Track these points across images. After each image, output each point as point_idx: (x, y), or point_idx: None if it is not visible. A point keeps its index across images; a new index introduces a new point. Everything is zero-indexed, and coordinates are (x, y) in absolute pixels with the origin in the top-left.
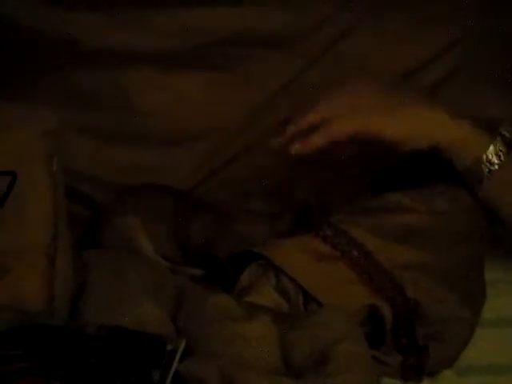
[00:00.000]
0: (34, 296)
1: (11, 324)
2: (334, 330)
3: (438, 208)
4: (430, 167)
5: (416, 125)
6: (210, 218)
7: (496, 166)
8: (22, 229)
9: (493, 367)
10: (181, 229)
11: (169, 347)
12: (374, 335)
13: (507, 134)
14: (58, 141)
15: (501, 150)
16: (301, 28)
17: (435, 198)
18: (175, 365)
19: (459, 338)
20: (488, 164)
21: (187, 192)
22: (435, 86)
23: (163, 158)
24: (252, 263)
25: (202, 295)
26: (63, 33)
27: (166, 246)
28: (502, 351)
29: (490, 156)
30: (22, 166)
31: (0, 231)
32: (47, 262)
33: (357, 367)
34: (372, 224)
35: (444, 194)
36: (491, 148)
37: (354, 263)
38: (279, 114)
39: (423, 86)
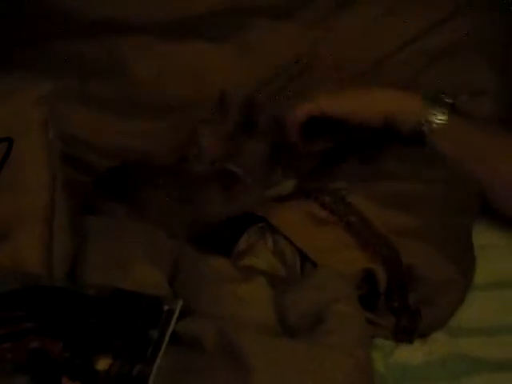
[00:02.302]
0: (33, 260)
1: (14, 286)
2: (328, 292)
3: (434, 177)
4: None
5: (360, 100)
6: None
7: (435, 125)
8: (20, 194)
9: (483, 329)
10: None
11: (166, 307)
12: (368, 298)
13: (448, 100)
14: (54, 107)
15: (443, 113)
16: None
17: (431, 167)
18: (173, 324)
19: (451, 300)
20: (428, 124)
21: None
22: (435, 55)
23: (159, 126)
24: (251, 226)
25: (197, 258)
26: (61, 2)
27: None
28: (493, 313)
29: (430, 117)
30: (17, 133)
31: None
32: (45, 226)
33: (350, 327)
34: (369, 191)
35: (439, 163)
36: (430, 111)
37: (352, 228)
38: (277, 83)
39: (424, 54)
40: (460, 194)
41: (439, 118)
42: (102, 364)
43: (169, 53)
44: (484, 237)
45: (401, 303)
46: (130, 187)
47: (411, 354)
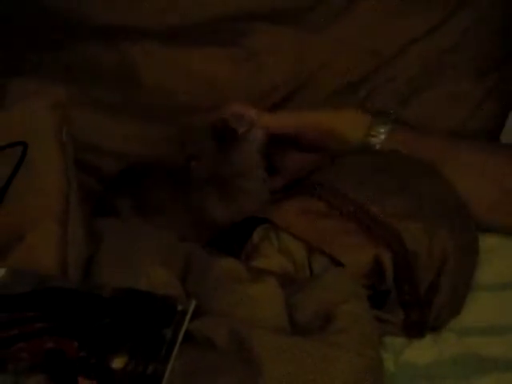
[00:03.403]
0: (48, 261)
1: (29, 287)
2: (337, 292)
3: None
4: None
5: (304, 118)
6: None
7: (382, 136)
8: (35, 197)
9: (491, 328)
10: (196, 208)
11: (179, 307)
12: (377, 296)
13: (391, 112)
14: (68, 111)
15: (385, 123)
16: (306, 1)
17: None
18: (186, 324)
19: (459, 285)
20: (375, 136)
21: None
22: (442, 53)
23: (168, 131)
24: (257, 227)
25: (209, 259)
26: (72, 8)
27: (187, 233)
28: (501, 313)
29: (376, 130)
30: (32, 138)
31: (13, 201)
32: (60, 229)
33: (359, 326)
34: (361, 181)
35: None
36: (376, 124)
37: (352, 217)
38: (287, 88)
39: (431, 54)
40: None
41: (383, 128)
42: (118, 363)
43: (177, 58)
44: (491, 237)
45: (412, 295)
46: (142, 187)
47: (421, 353)
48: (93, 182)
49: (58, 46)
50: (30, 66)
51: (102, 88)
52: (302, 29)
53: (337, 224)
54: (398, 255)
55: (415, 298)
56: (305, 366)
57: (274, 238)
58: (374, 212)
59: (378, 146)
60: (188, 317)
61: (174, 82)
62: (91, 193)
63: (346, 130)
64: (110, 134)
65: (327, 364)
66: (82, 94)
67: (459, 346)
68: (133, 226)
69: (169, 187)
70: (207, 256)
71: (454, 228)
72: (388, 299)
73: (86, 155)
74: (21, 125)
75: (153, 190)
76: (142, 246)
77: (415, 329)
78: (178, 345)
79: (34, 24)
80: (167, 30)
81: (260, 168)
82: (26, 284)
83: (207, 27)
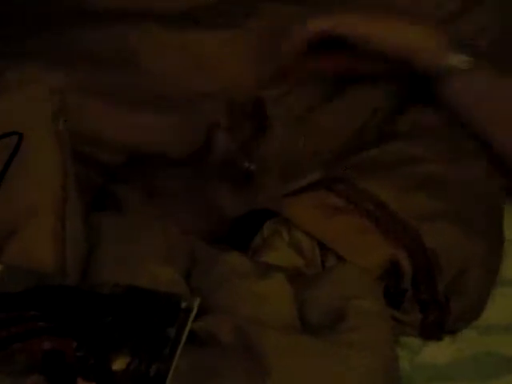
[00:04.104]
0: (46, 257)
1: (26, 285)
2: (350, 288)
3: (453, 156)
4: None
5: (383, 27)
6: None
7: (458, 69)
8: (31, 189)
9: None
10: (210, 201)
11: (183, 305)
12: (393, 294)
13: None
14: (65, 101)
15: (468, 57)
16: None
17: (448, 147)
18: (190, 322)
19: (480, 288)
20: (448, 68)
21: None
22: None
23: (170, 119)
24: (267, 221)
25: (214, 254)
26: None
27: (192, 223)
28: None
29: (452, 61)
30: (28, 127)
31: (7, 194)
32: (57, 223)
33: (372, 324)
34: (384, 175)
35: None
36: (453, 53)
37: (370, 214)
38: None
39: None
40: (483, 171)
41: (464, 60)
42: (119, 363)
43: (180, 43)
44: None
45: (429, 294)
46: (147, 175)
47: (439, 352)
48: (92, 174)
49: (58, 32)
50: (28, 53)
51: (102, 74)
52: (311, 9)
53: (352, 221)
54: (417, 256)
55: (433, 299)
56: (315, 365)
57: (285, 232)
58: (393, 210)
59: (445, 82)
60: (192, 315)
61: (175, 67)
62: (90, 185)
63: (424, 51)
64: (111, 122)
65: (339, 364)
66: (81, 81)
67: (480, 345)
68: (134, 221)
69: (180, 176)
70: (212, 251)
71: (485, 231)
72: (404, 299)
73: (84, 146)
74: (16, 113)
75: (163, 178)
76: (144, 242)
77: (432, 331)
78: (182, 344)
79: (33, 10)
80: (169, 14)
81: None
82: (23, 282)
83: (212, 9)
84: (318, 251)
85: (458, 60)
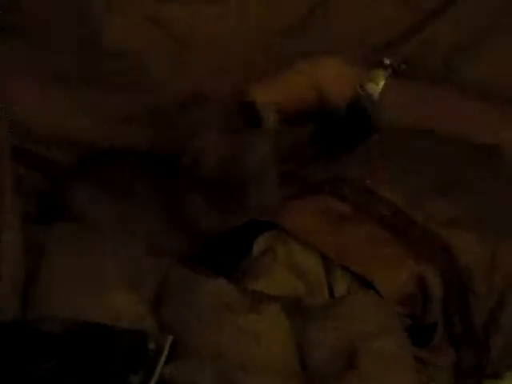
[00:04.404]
0: None
1: None
2: (365, 322)
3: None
4: None
5: (287, 82)
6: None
7: (377, 92)
8: None
9: None
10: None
11: (151, 346)
12: (419, 329)
13: (388, 62)
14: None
15: (383, 76)
16: None
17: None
18: (159, 368)
19: None
20: (369, 92)
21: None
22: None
23: (139, 110)
24: (259, 235)
25: (192, 280)
26: None
27: (163, 237)
28: None
29: (368, 84)
30: None
31: None
32: None
33: (392, 371)
34: (400, 176)
35: None
36: (368, 77)
37: (384, 222)
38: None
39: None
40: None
41: (380, 81)
42: None
43: (152, 14)
44: None
45: (464, 327)
46: (107, 177)
47: None
48: (39, 178)
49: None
50: None
51: (52, 53)
52: None
53: (365, 231)
54: (448, 274)
55: (469, 334)
56: None
57: (281, 250)
58: (414, 217)
59: (375, 97)
60: (163, 358)
61: (146, 44)
62: (36, 191)
63: (337, 86)
64: (62, 113)
65: None
66: (25, 62)
67: None
68: (90, 235)
69: (145, 179)
70: (189, 275)
71: None
72: (434, 334)
73: (29, 143)
74: None
75: (128, 181)
76: (99, 262)
77: (469, 375)
78: None
79: None
80: None
81: (273, 170)
82: None
83: None
84: (322, 271)
85: (375, 80)
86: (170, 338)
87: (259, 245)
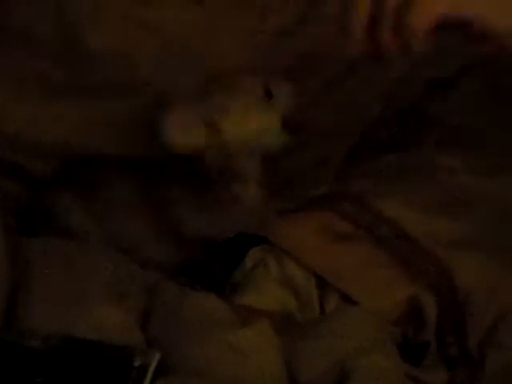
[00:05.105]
0: None
1: None
2: (356, 339)
3: (489, 168)
4: None
5: None
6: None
7: None
8: None
9: None
10: (163, 217)
11: (137, 363)
12: (412, 346)
13: None
14: None
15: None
16: None
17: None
18: None
19: None
20: None
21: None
22: None
23: (128, 115)
24: (251, 249)
25: (180, 295)
26: None
27: (148, 246)
28: None
29: None
30: None
31: None
32: None
33: None
34: (403, 193)
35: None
36: None
37: (384, 243)
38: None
39: None
40: None
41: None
42: None
43: (140, 16)
44: None
45: (458, 348)
46: (88, 184)
47: None
48: (15, 187)
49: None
50: None
51: (35, 60)
52: None
53: (364, 252)
54: (444, 296)
55: (463, 353)
56: None
57: (274, 264)
58: (417, 238)
59: None
60: (149, 375)
61: (134, 46)
62: (14, 201)
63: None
64: (45, 120)
65: None
66: (6, 69)
67: None
68: (74, 247)
69: (130, 184)
70: (178, 290)
71: None
72: (427, 353)
73: (10, 154)
74: None
75: (109, 187)
76: (84, 276)
77: None
78: None
79: None
80: None
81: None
82: None
83: None
84: (315, 289)
85: None
86: (158, 355)
87: (251, 258)
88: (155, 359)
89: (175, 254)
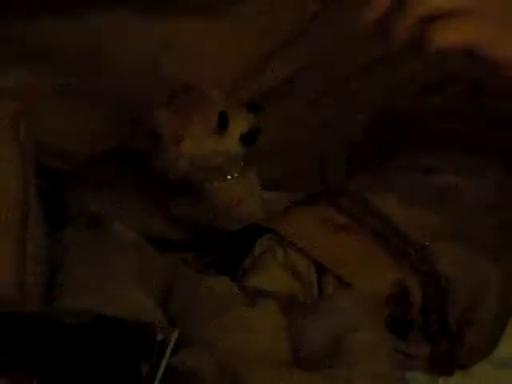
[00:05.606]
0: (2, 280)
1: None
2: (350, 316)
3: (468, 167)
4: None
5: None
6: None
7: None
8: None
9: None
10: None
11: (159, 337)
12: (399, 323)
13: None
14: (28, 104)
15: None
16: None
17: (466, 157)
18: (167, 357)
19: (496, 318)
20: None
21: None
22: None
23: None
24: (259, 238)
25: (196, 278)
26: None
27: (148, 221)
28: None
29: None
30: None
31: None
32: (17, 241)
33: (375, 358)
34: (394, 189)
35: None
36: None
37: (377, 234)
38: (281, 62)
39: None
40: (498, 187)
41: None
42: None
43: (151, 32)
44: None
45: (440, 325)
46: (107, 177)
47: None
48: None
49: (11, 19)
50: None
51: (64, 73)
52: None
53: (357, 241)
54: (428, 282)
55: (445, 331)
56: None
57: (280, 251)
58: (407, 231)
59: None
60: (169, 348)
61: (148, 60)
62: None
63: None
64: (73, 129)
65: None
66: (39, 82)
67: (495, 381)
68: (101, 237)
69: (134, 176)
70: (194, 274)
71: (499, 255)
72: (412, 330)
73: (41, 157)
74: None
75: (116, 178)
76: (113, 264)
77: (443, 365)
78: (157, 381)
79: None
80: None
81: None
82: None
83: None
84: (315, 274)
85: None
86: (176, 332)
87: (260, 246)
88: (174, 335)
89: (170, 230)
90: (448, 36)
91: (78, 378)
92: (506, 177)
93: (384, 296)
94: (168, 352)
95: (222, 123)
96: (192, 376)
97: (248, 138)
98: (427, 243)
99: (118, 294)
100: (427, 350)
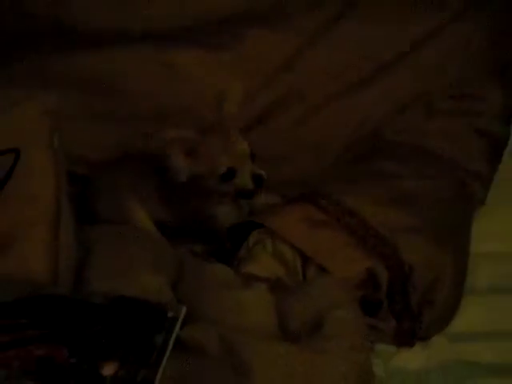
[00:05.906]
0: (39, 268)
1: (19, 294)
2: (328, 298)
3: (427, 173)
4: None
5: None
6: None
7: None
8: (26, 203)
9: (482, 334)
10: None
11: (170, 314)
12: (370, 303)
13: None
14: (59, 120)
15: None
16: (297, 6)
17: (424, 165)
18: (176, 330)
19: (450, 299)
20: None
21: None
22: (433, 64)
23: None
24: (252, 232)
25: (200, 266)
26: (60, 13)
27: (158, 208)
28: (492, 319)
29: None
30: (24, 143)
31: (6, 206)
32: (52, 235)
33: (348, 332)
34: (364, 191)
35: (430, 162)
36: None
37: (350, 229)
38: (276, 91)
39: (421, 64)
40: (451, 188)
41: None
42: (109, 369)
43: (167, 63)
44: (484, 243)
45: (403, 305)
46: (134, 176)
47: (411, 359)
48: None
49: (46, 54)
50: (16, 75)
51: (89, 96)
52: (293, 35)
53: (334, 235)
54: (393, 269)
55: (407, 309)
56: (294, 372)
57: (269, 243)
58: (373, 225)
59: None
60: (179, 323)
61: (163, 86)
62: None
63: None
64: (96, 142)
65: (315, 369)
66: (69, 103)
67: (449, 352)
68: (123, 232)
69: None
70: (198, 262)
71: (454, 246)
72: (380, 309)
73: (70, 165)
74: (13, 131)
75: (134, 179)
76: (132, 253)
77: (405, 338)
78: (168, 351)
79: (20, 31)
80: (156, 34)
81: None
82: (16, 291)
83: (199, 30)
84: (299, 262)
85: None
86: (184, 309)
87: (253, 238)
88: (183, 312)
89: (172, 215)
90: None
91: (101, 348)
92: (456, 181)
93: (356, 280)
94: (177, 326)
95: (229, 176)
96: (197, 347)
97: (256, 182)
98: (393, 236)
99: (136, 278)
100: (393, 325)
